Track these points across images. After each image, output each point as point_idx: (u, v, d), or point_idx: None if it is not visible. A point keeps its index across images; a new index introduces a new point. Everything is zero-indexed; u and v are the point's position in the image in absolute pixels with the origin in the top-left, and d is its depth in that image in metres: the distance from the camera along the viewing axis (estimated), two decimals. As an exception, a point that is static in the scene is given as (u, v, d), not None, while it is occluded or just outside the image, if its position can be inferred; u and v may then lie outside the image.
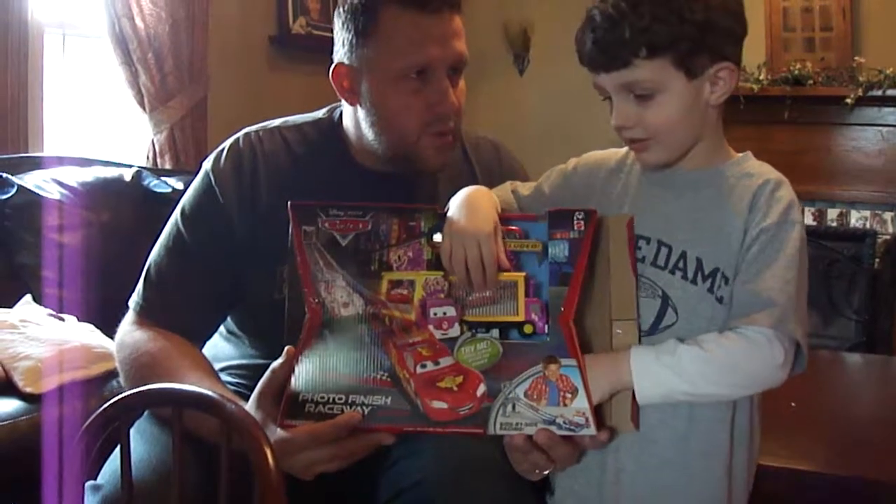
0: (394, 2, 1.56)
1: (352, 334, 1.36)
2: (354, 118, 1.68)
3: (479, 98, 5.30)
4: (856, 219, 4.43)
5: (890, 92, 4.08)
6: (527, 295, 1.35)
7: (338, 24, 1.65)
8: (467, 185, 1.50)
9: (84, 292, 2.95)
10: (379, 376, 1.34)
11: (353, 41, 1.60)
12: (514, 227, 1.38)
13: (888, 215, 4.33)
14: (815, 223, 4.50)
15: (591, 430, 1.29)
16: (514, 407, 1.30)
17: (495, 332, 1.35)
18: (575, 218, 1.36)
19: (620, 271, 1.37)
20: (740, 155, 1.45)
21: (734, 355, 1.31)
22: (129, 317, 1.69)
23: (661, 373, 1.32)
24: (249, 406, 1.41)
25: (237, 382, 1.69)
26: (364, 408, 1.33)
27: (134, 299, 1.70)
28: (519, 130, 5.24)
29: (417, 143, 1.61)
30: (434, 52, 1.57)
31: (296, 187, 1.62)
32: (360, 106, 1.64)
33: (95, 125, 3.93)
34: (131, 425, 1.52)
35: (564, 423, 1.29)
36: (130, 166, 3.55)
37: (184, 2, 3.90)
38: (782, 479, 1.73)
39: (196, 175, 1.74)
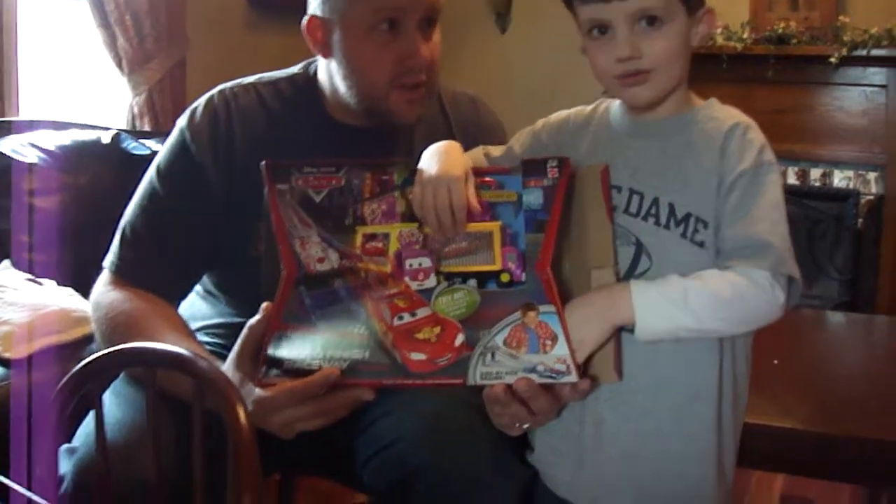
0: None
1: (327, 289, 1.35)
2: (328, 71, 1.68)
3: (461, 57, 5.27)
4: (839, 179, 4.42)
5: (874, 52, 4.06)
6: (503, 244, 1.34)
7: None
8: (443, 139, 1.49)
9: (63, 256, 2.93)
10: (356, 330, 1.33)
11: None
12: (488, 179, 1.37)
13: (871, 175, 4.33)
14: (798, 183, 4.49)
15: (573, 377, 1.28)
16: (493, 356, 1.30)
17: (472, 282, 1.34)
18: (548, 165, 1.35)
19: (596, 220, 1.37)
20: (705, 102, 1.46)
21: (740, 292, 1.32)
22: (104, 277, 1.68)
23: (666, 307, 1.32)
24: (227, 366, 1.41)
25: (214, 342, 1.69)
26: (342, 363, 1.32)
27: (109, 259, 1.68)
28: (502, 89, 5.20)
29: (388, 96, 1.60)
30: (406, 3, 1.57)
31: (271, 143, 1.63)
32: (333, 58, 1.64)
33: (73, 88, 3.88)
34: (105, 387, 1.51)
35: (545, 370, 1.28)
36: (108, 129, 3.51)
37: (161, -37, 3.85)
38: (765, 437, 1.73)
39: (171, 133, 1.73)
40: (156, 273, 1.64)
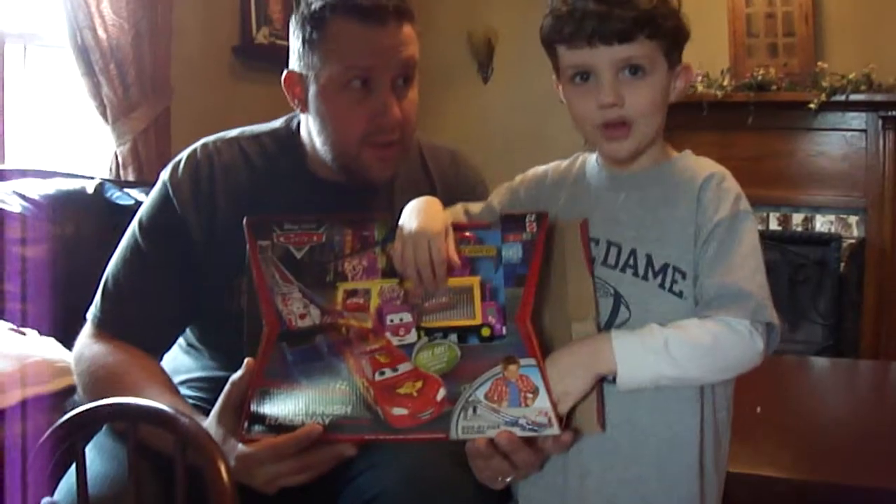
0: (340, 11, 1.58)
1: (309, 345, 1.35)
2: (306, 125, 1.69)
3: (444, 106, 5.31)
4: (821, 223, 4.45)
5: (853, 97, 4.11)
6: (483, 299, 1.35)
7: (291, 36, 1.66)
8: (424, 194, 1.50)
9: (47, 306, 2.91)
10: (338, 386, 1.34)
11: (301, 49, 1.62)
12: (468, 234, 1.38)
13: (853, 219, 4.36)
14: (780, 228, 4.53)
15: (555, 430, 1.28)
16: (475, 410, 1.30)
17: (453, 337, 1.35)
18: (527, 220, 1.36)
19: (576, 273, 1.38)
20: (680, 153, 1.49)
21: (720, 341, 1.33)
22: (87, 329, 1.69)
23: (647, 356, 1.33)
24: (210, 421, 1.40)
25: (197, 396, 1.68)
26: (325, 419, 1.32)
27: (92, 311, 1.69)
28: (484, 138, 5.25)
29: (359, 153, 1.62)
30: (377, 62, 1.58)
31: (252, 198, 1.65)
32: (310, 114, 1.65)
33: (58, 137, 3.88)
34: (88, 440, 1.51)
35: (527, 423, 1.29)
36: (93, 178, 3.51)
37: (146, 12, 3.86)
38: (748, 485, 1.73)
39: (154, 186, 1.74)
40: (138, 326, 1.65)
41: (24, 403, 2.39)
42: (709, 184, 1.40)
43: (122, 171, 3.81)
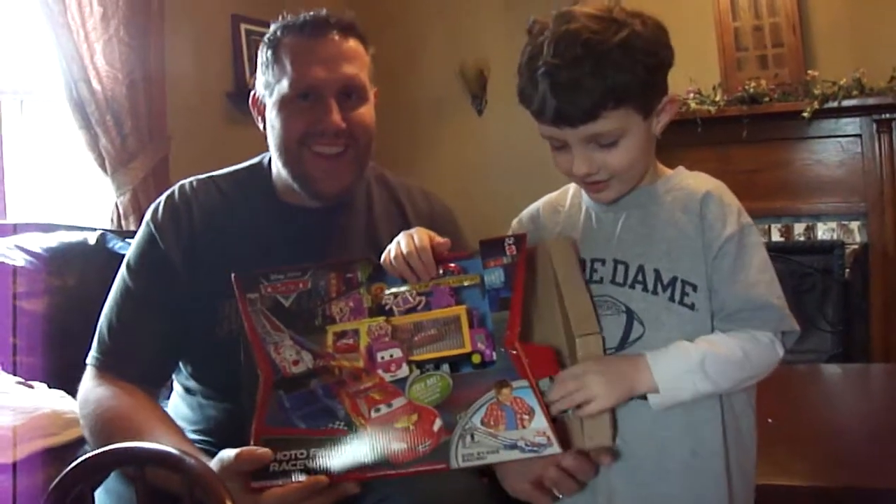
0: (289, 31, 1.70)
1: (305, 389, 1.37)
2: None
3: (440, 140, 5.33)
4: (822, 231, 4.44)
5: (846, 102, 4.12)
6: (471, 327, 1.37)
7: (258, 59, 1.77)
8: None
9: (53, 358, 2.92)
10: (336, 426, 1.34)
11: (261, 70, 1.74)
12: (452, 266, 1.41)
13: (854, 225, 4.35)
14: (782, 239, 4.52)
15: (556, 449, 1.29)
16: (472, 437, 1.30)
17: (445, 368, 1.36)
18: (506, 244, 1.40)
19: (572, 290, 1.38)
20: (674, 171, 1.51)
21: (749, 353, 1.37)
22: (89, 374, 1.73)
23: (686, 378, 1.36)
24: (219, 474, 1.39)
25: (201, 440, 1.71)
26: (326, 460, 1.33)
27: (91, 355, 1.74)
28: (482, 170, 5.27)
29: (301, 157, 1.69)
30: (318, 72, 1.67)
31: (229, 230, 1.74)
32: (267, 131, 1.75)
33: (58, 190, 3.91)
34: (97, 486, 1.51)
35: (526, 445, 1.29)
36: (94, 230, 3.52)
37: (140, 62, 3.90)
38: (766, 496, 1.72)
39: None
40: (134, 362, 1.70)
41: (34, 456, 2.40)
42: (710, 199, 1.43)
43: (123, 222, 3.83)
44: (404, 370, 1.37)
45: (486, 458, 1.29)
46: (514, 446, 1.29)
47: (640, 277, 1.43)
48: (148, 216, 1.79)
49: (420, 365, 1.36)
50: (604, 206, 1.49)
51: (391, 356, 1.37)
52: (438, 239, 1.46)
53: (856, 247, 4.37)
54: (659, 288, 1.41)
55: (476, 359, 1.35)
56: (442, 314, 1.39)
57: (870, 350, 4.27)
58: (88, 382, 1.71)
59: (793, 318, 1.41)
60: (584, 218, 1.52)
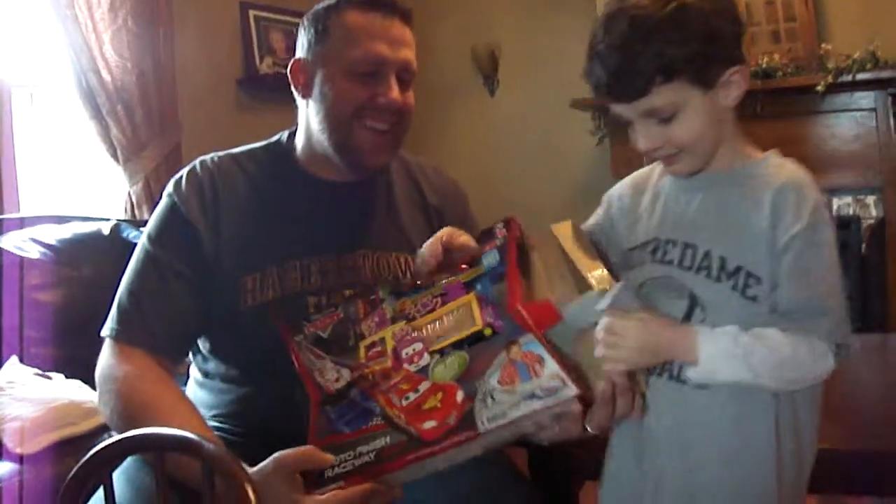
0: (353, 5, 1.73)
1: (346, 400, 1.45)
2: (306, 117, 1.80)
3: (453, 122, 5.32)
4: (838, 206, 4.40)
5: (860, 76, 4.06)
6: (481, 309, 1.44)
7: (301, 31, 1.79)
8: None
9: (70, 349, 2.93)
10: (374, 423, 1.40)
11: (313, 39, 1.75)
12: (462, 266, 1.53)
13: (870, 199, 4.32)
14: (798, 214, 4.47)
15: (571, 390, 1.28)
16: (493, 397, 1.32)
17: (462, 347, 1.41)
18: (496, 228, 1.52)
19: (582, 260, 1.43)
20: (763, 154, 1.46)
21: (799, 358, 1.33)
22: (108, 348, 1.70)
23: (728, 362, 1.34)
24: (266, 479, 1.38)
25: (219, 427, 1.70)
26: (370, 455, 1.36)
27: (108, 327, 1.71)
28: (495, 150, 5.26)
29: (351, 130, 1.72)
30: (385, 50, 1.71)
31: (254, 204, 1.76)
32: (312, 99, 1.76)
33: (70, 181, 3.92)
34: (112, 472, 1.51)
35: (542, 391, 1.29)
36: (108, 220, 3.54)
37: (149, 51, 3.90)
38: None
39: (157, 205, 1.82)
40: (157, 331, 1.68)
41: (54, 446, 2.41)
42: (787, 190, 1.37)
43: (136, 211, 3.84)
44: (426, 359, 1.42)
45: (509, 415, 1.29)
46: (531, 396, 1.30)
47: (705, 263, 1.41)
48: (170, 188, 1.79)
49: (440, 352, 1.42)
50: (682, 187, 1.48)
51: (414, 350, 1.45)
52: (461, 238, 1.54)
53: (872, 221, 4.34)
54: (723, 276, 1.39)
55: (488, 332, 1.40)
56: (455, 305, 1.47)
57: (887, 323, 4.24)
58: (109, 359, 1.67)
59: (848, 328, 1.36)
60: (664, 199, 1.51)
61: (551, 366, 1.31)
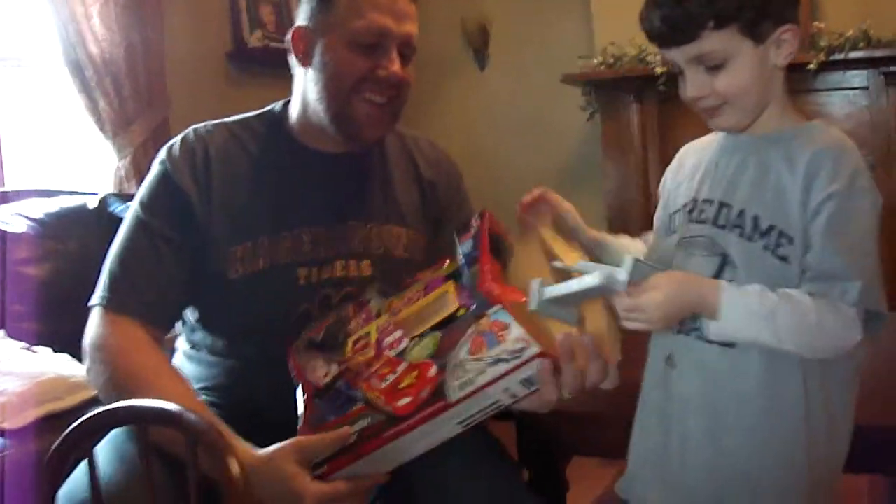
0: None
1: (333, 392, 1.49)
2: (303, 85, 1.78)
3: (443, 96, 5.30)
4: (830, 184, 4.40)
5: (852, 54, 4.05)
6: (458, 294, 1.47)
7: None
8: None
9: (57, 323, 2.92)
10: (357, 407, 1.42)
11: (317, 7, 1.74)
12: (444, 262, 1.59)
13: (862, 178, 4.32)
14: (790, 192, 4.48)
15: (534, 348, 1.29)
16: (463, 368, 1.34)
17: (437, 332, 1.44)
18: (472, 221, 1.58)
19: (563, 252, 1.51)
20: (810, 122, 1.47)
21: (824, 323, 1.32)
22: (97, 316, 1.68)
23: (751, 320, 1.34)
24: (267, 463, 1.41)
25: (206, 399, 1.69)
26: (353, 436, 1.39)
27: (98, 295, 1.70)
28: (486, 125, 5.25)
29: (352, 102, 1.71)
30: (390, 23, 1.69)
31: (243, 169, 1.76)
32: (311, 67, 1.74)
33: (58, 155, 3.89)
34: (95, 445, 1.50)
35: (509, 355, 1.31)
36: (95, 194, 3.52)
37: (137, 24, 3.86)
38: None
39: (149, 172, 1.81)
40: (147, 297, 1.67)
41: (40, 421, 2.40)
42: (825, 152, 1.38)
43: (125, 185, 3.80)
44: (405, 343, 1.46)
45: (477, 380, 1.31)
46: (497, 360, 1.31)
47: (739, 221, 1.42)
48: (163, 154, 1.78)
49: (419, 336, 1.45)
50: (725, 149, 1.51)
51: (395, 337, 1.48)
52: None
53: (864, 200, 4.34)
54: (756, 235, 1.40)
55: (461, 312, 1.42)
56: (435, 294, 1.51)
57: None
58: (98, 328, 1.66)
59: (881, 296, 1.34)
60: (710, 159, 1.54)
61: (516, 330, 1.32)
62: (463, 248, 1.55)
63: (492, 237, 1.52)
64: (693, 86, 1.44)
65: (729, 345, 1.40)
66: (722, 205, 1.45)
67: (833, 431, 1.43)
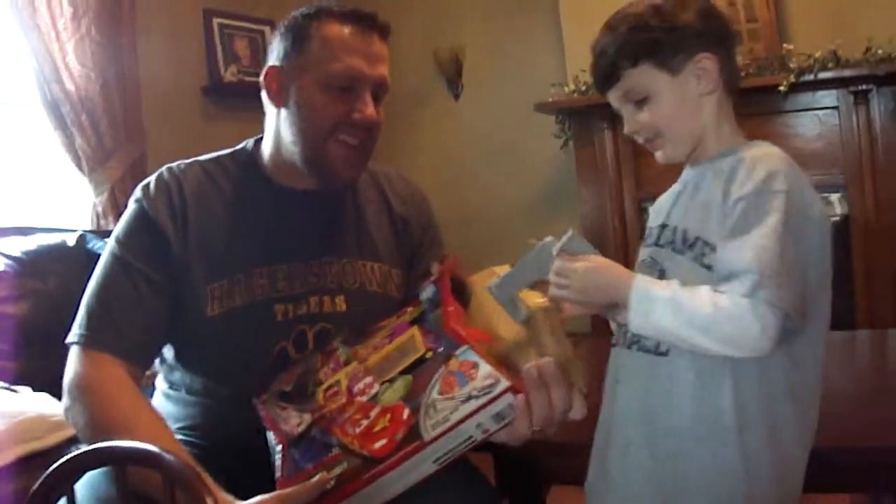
0: (333, 16, 1.74)
1: (308, 440, 1.49)
2: (276, 125, 1.79)
3: (417, 126, 5.32)
4: (802, 204, 4.43)
5: (822, 75, 4.10)
6: (424, 337, 1.52)
7: (276, 37, 1.79)
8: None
9: (37, 362, 2.91)
10: (333, 453, 1.43)
11: (290, 47, 1.74)
12: (407, 309, 1.64)
13: (834, 197, 4.34)
14: (763, 212, 4.50)
15: (504, 383, 1.31)
16: (435, 408, 1.36)
17: (407, 376, 1.47)
18: (432, 267, 1.63)
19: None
20: (752, 141, 1.52)
21: (718, 313, 1.33)
22: (75, 356, 1.67)
23: (656, 305, 1.38)
24: None
25: (184, 440, 1.68)
26: (330, 482, 1.39)
27: (76, 333, 1.68)
28: (460, 154, 5.27)
29: (326, 146, 1.73)
30: (363, 66, 1.71)
31: (217, 208, 1.77)
32: (285, 107, 1.75)
33: (35, 193, 3.88)
34: (74, 485, 1.50)
35: (479, 392, 1.33)
36: (73, 231, 3.52)
37: (113, 60, 3.88)
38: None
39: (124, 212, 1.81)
40: (128, 335, 1.66)
41: (21, 460, 2.39)
42: (746, 160, 1.42)
43: (102, 221, 3.81)
44: (376, 388, 1.49)
45: (451, 418, 1.32)
46: (469, 398, 1.33)
47: (672, 237, 1.49)
48: (138, 193, 1.78)
49: (389, 380, 1.48)
50: (681, 181, 1.57)
51: (365, 383, 1.51)
52: None
53: (837, 218, 4.37)
54: (685, 248, 1.46)
55: (429, 354, 1.46)
56: (400, 340, 1.55)
57: (854, 319, 4.28)
58: (78, 366, 1.65)
59: (779, 292, 1.32)
60: (663, 194, 1.62)
61: (485, 368, 1.34)
62: (425, 293, 1.59)
63: (453, 280, 1.57)
64: (626, 122, 1.55)
65: (663, 353, 1.46)
66: (663, 226, 1.53)
67: (777, 444, 1.44)
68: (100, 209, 3.83)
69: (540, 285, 1.50)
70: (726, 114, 1.53)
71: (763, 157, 1.42)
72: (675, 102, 1.50)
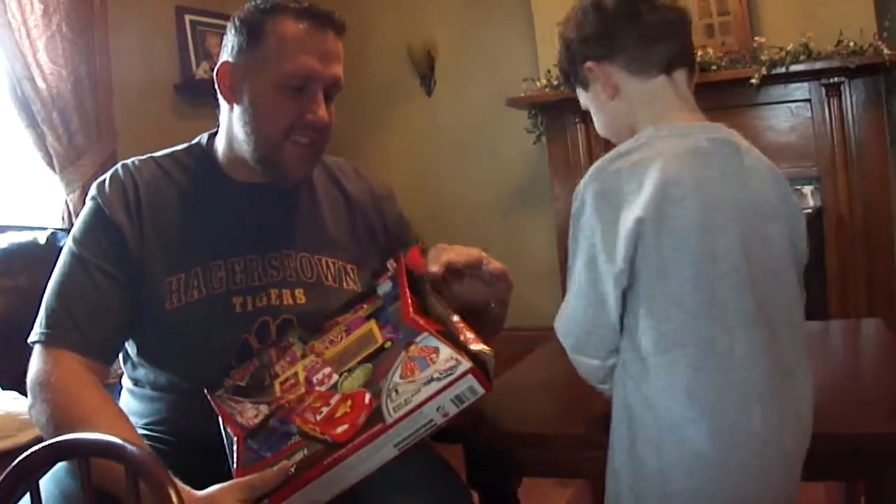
0: (289, 13, 1.71)
1: (266, 430, 1.50)
2: (228, 121, 1.79)
3: (390, 122, 5.32)
4: (777, 196, 4.45)
5: (793, 67, 4.12)
6: (380, 330, 1.56)
7: (230, 31, 1.76)
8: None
9: (5, 360, 2.88)
10: (293, 441, 1.44)
11: (244, 43, 1.72)
12: (362, 305, 1.67)
13: (807, 189, 4.37)
14: (737, 206, 4.52)
15: (466, 365, 1.34)
16: (396, 391, 1.39)
17: (367, 364, 1.51)
18: (388, 263, 1.71)
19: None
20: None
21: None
22: (38, 355, 1.67)
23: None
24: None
25: (150, 435, 1.70)
26: (292, 468, 1.39)
27: (37, 332, 1.68)
28: (433, 150, 5.27)
29: (281, 147, 1.73)
30: (317, 65, 1.70)
31: (172, 203, 1.78)
32: (238, 104, 1.75)
33: (6, 191, 3.87)
34: (39, 479, 1.49)
35: (440, 374, 1.36)
36: (44, 229, 3.50)
37: (84, 58, 3.86)
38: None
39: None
40: (89, 333, 1.66)
41: (-11, 459, 2.37)
42: None
43: (73, 219, 3.78)
44: (335, 378, 1.51)
45: (412, 400, 1.35)
46: (430, 380, 1.36)
47: None
48: (93, 191, 1.78)
49: (348, 370, 1.51)
50: None
51: (324, 374, 1.54)
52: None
53: (809, 211, 4.39)
54: None
55: (388, 345, 1.50)
56: (357, 333, 1.59)
57: (827, 311, 4.31)
58: (40, 364, 1.64)
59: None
60: None
61: (446, 351, 1.38)
62: (381, 288, 1.64)
63: (409, 274, 1.62)
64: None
65: None
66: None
67: (678, 439, 1.43)
68: (71, 207, 3.81)
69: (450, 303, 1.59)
70: (660, 99, 1.56)
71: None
72: (598, 111, 1.62)
